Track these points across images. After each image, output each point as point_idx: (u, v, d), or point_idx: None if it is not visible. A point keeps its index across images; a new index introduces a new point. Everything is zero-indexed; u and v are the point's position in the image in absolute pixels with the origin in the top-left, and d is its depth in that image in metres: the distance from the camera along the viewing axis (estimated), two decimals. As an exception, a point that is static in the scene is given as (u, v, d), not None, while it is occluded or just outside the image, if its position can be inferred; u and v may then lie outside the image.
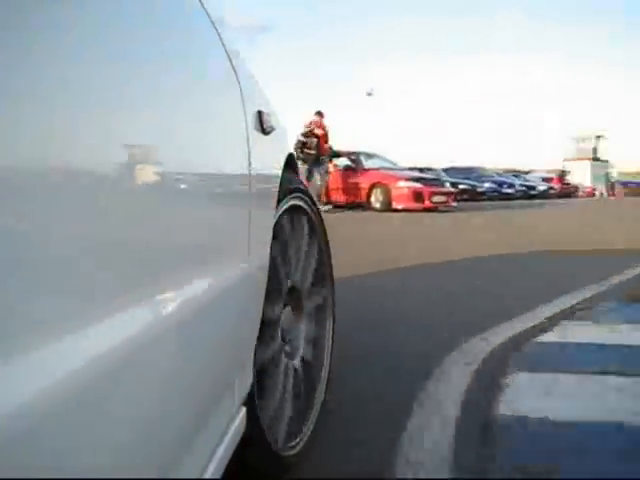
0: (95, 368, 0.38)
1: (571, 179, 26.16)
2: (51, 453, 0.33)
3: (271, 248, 0.94)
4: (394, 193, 10.35)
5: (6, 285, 0.30)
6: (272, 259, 0.95)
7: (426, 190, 10.43)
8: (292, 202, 1.12)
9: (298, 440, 1.10)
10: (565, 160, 33.08)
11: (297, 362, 1.16)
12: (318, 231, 1.27)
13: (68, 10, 0.39)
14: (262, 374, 0.94)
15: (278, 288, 1.03)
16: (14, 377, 0.30)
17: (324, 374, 1.31)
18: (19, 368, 0.31)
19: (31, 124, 0.33)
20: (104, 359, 0.39)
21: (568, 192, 23.05)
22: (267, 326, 0.95)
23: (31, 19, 0.34)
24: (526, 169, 25.83)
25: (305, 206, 1.21)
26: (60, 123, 0.36)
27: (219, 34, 0.90)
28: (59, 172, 0.36)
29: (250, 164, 0.88)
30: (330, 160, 10.67)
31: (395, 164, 12.16)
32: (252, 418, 0.87)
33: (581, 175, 29.67)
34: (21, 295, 0.31)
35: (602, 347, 1.83)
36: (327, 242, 1.32)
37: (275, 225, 0.99)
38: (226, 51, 0.91)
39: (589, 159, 33.20)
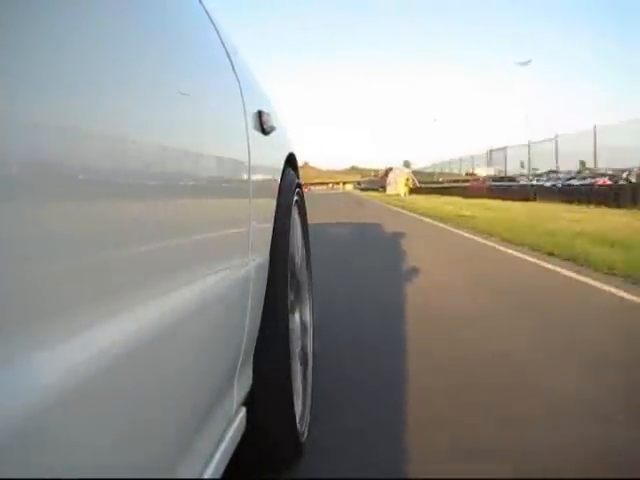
0: (95, 367, 0.38)
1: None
2: (51, 453, 0.33)
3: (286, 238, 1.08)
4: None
5: (6, 284, 0.30)
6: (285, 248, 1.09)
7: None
8: (295, 198, 1.30)
9: (306, 412, 1.28)
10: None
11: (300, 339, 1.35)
12: (304, 216, 1.58)
13: (66, 9, 0.39)
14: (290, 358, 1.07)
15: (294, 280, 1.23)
16: (14, 377, 0.30)
17: (310, 348, 1.48)
18: (19, 368, 0.31)
19: (28, 121, 0.33)
20: (104, 358, 0.39)
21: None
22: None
23: (28, 14, 0.34)
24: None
25: (300, 200, 1.43)
26: (59, 123, 0.36)
27: (218, 33, 0.90)
28: (54, 172, 0.35)
29: (250, 164, 0.88)
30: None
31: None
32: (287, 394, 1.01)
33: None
34: (20, 295, 0.31)
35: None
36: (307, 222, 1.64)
37: (287, 217, 1.15)
38: (226, 50, 0.91)
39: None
